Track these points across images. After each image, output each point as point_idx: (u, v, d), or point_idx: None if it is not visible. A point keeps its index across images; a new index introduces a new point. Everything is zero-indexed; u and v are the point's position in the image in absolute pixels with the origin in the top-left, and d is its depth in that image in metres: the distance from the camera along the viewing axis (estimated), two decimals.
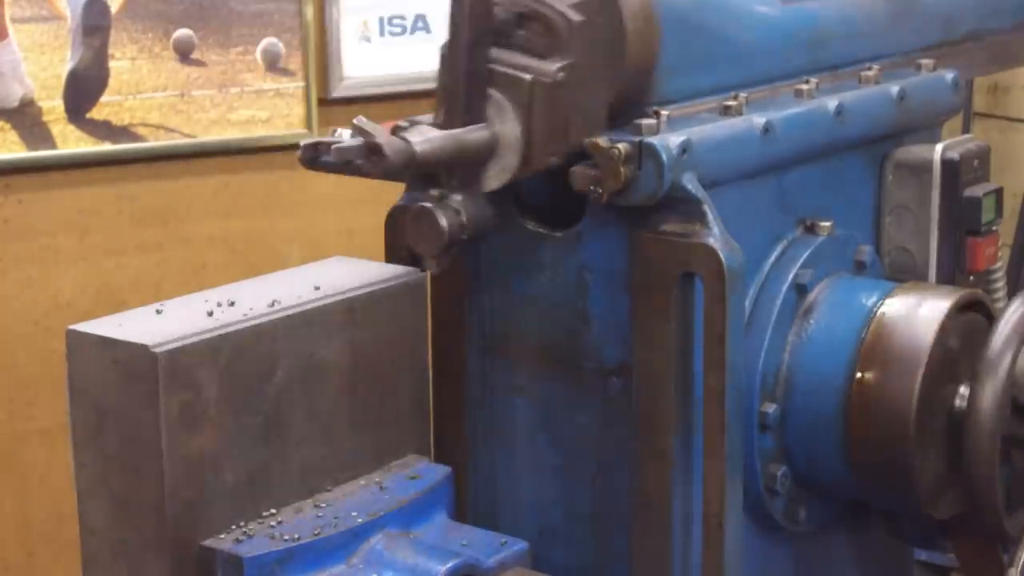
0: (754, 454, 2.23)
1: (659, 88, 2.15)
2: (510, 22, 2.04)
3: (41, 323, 3.91)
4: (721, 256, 2.04)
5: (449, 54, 2.04)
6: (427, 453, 2.15)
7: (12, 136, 3.95)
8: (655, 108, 2.13)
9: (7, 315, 3.90)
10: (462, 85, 2.02)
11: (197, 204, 4.21)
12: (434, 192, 2.05)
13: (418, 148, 1.96)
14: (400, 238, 2.29)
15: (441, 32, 2.07)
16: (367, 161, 1.94)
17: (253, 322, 1.92)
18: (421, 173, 2.04)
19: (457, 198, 2.05)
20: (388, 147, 1.93)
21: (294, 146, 2.17)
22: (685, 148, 2.07)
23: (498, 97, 2.02)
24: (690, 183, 2.07)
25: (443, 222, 2.03)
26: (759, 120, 2.21)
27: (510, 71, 2.02)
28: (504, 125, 2.02)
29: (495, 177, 2.04)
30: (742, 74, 2.29)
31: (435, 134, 1.99)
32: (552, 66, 2.01)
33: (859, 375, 2.25)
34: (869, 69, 2.48)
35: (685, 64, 2.20)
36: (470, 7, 2.01)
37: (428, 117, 2.09)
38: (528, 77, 2.01)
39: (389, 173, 1.97)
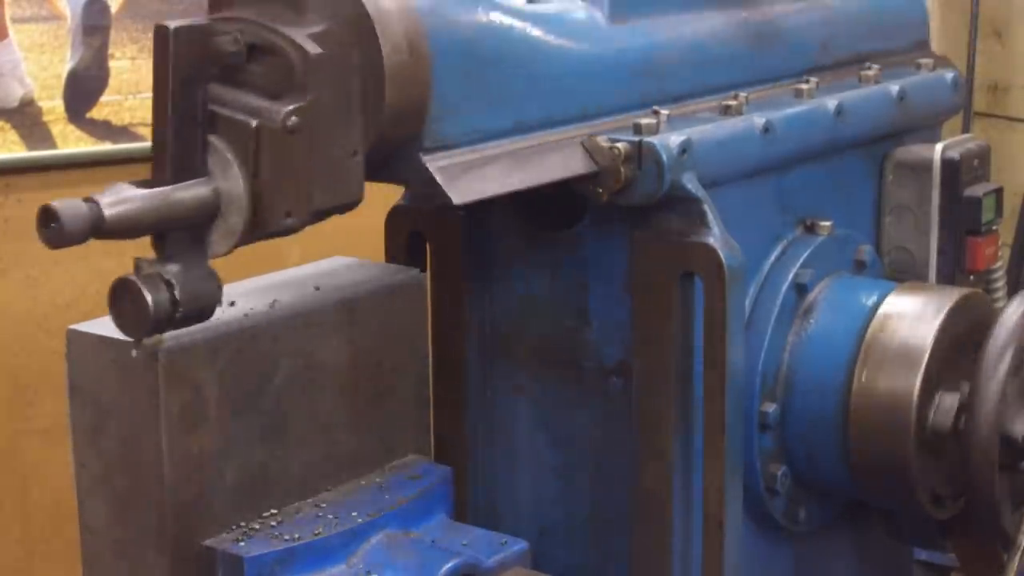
0: (754, 454, 2.23)
1: (436, 130, 1.88)
2: (239, 55, 1.71)
3: (41, 323, 3.91)
4: (721, 256, 2.04)
5: (155, 94, 1.69)
6: (427, 453, 2.15)
7: (12, 136, 3.94)
8: (437, 152, 1.86)
9: (7, 315, 3.90)
10: (171, 132, 1.68)
11: None
12: (145, 260, 1.72)
13: (108, 212, 1.64)
14: (397, 238, 2.30)
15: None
16: (42, 229, 1.61)
17: (253, 322, 1.92)
18: (123, 239, 1.69)
19: (173, 268, 1.71)
20: (64, 212, 1.60)
21: None
22: (685, 148, 2.06)
23: (220, 146, 1.71)
24: (690, 183, 2.07)
25: (149, 299, 1.69)
26: (759, 120, 2.21)
27: (234, 115, 1.70)
28: (227, 180, 1.71)
29: (220, 241, 1.74)
30: (553, 109, 2.03)
31: (135, 193, 1.66)
32: (283, 108, 1.69)
33: (859, 375, 2.25)
34: (868, 69, 2.47)
35: (469, 101, 1.93)
36: (179, 36, 1.67)
37: None
38: (253, 122, 1.69)
39: (72, 242, 1.62)
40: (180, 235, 1.72)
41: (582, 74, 2.08)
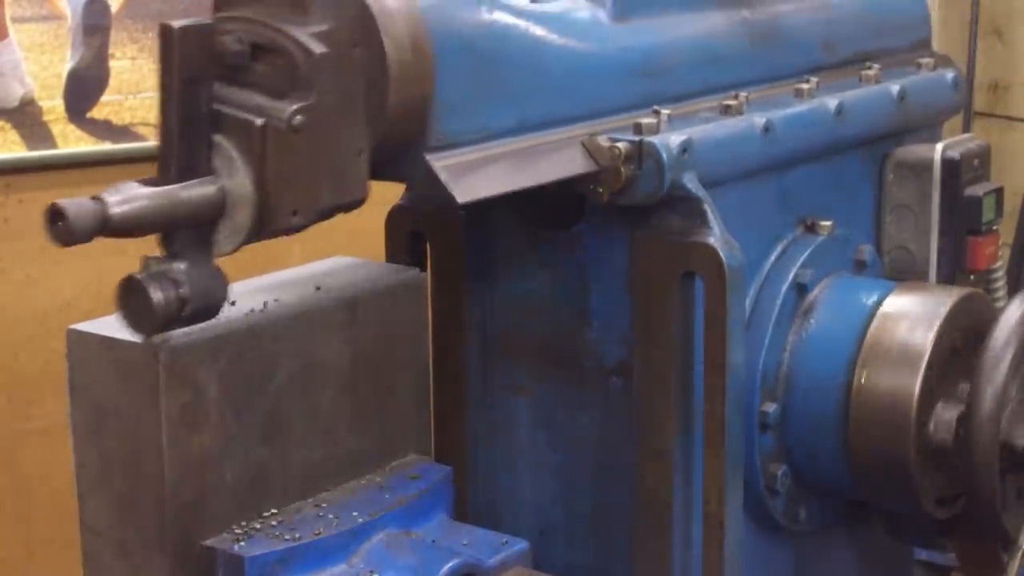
0: (754, 453, 2.23)
1: (439, 128, 1.88)
2: (243, 55, 1.72)
3: (41, 323, 3.91)
4: (721, 255, 2.04)
5: (160, 93, 1.69)
6: (427, 453, 2.15)
7: (12, 136, 3.94)
8: (439, 150, 1.86)
9: (7, 315, 3.89)
10: (176, 132, 1.69)
11: None
12: (153, 258, 1.73)
13: (115, 211, 1.64)
14: (397, 238, 2.30)
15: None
16: (50, 228, 1.62)
17: (254, 322, 1.92)
18: (131, 237, 1.69)
19: (180, 267, 1.71)
20: (72, 210, 1.61)
21: None
22: (685, 147, 2.06)
23: (225, 146, 1.71)
24: (690, 182, 2.07)
25: (156, 297, 1.69)
26: (759, 120, 2.21)
27: (239, 114, 1.71)
28: (233, 179, 1.71)
29: (226, 240, 1.74)
30: (556, 109, 2.03)
31: (141, 192, 1.67)
32: (288, 107, 1.70)
33: (859, 375, 2.25)
34: (869, 68, 2.47)
35: (474, 100, 1.93)
36: (184, 36, 1.67)
37: None
38: (259, 121, 1.70)
39: (79, 240, 1.63)
40: (186, 234, 1.72)
41: (585, 73, 2.08)
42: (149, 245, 1.74)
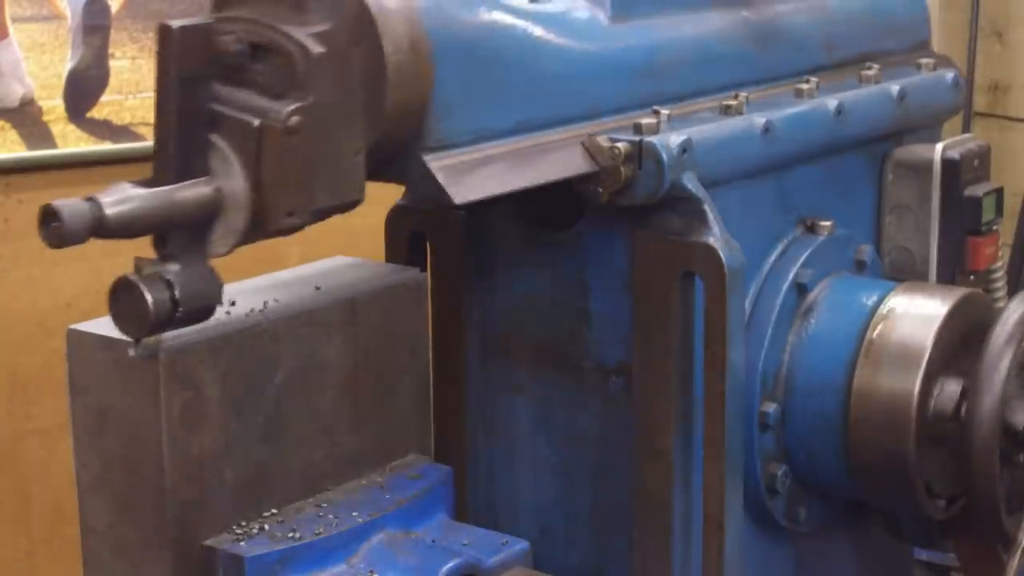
0: (754, 454, 2.23)
1: (437, 129, 1.88)
2: (242, 54, 1.71)
3: (41, 323, 3.91)
4: (721, 256, 2.04)
5: (157, 93, 1.69)
6: (428, 453, 2.15)
7: (12, 136, 3.94)
8: (436, 150, 1.86)
9: (7, 315, 3.89)
10: (173, 133, 1.68)
11: None
12: (146, 260, 1.72)
13: (109, 211, 1.64)
14: (397, 238, 2.30)
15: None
16: (42, 228, 1.61)
17: (254, 322, 1.92)
18: (125, 238, 1.68)
19: (173, 268, 1.70)
20: (67, 212, 1.60)
21: None
22: (685, 147, 2.06)
23: (222, 146, 1.71)
24: (690, 182, 2.07)
25: (149, 298, 1.68)
26: (759, 120, 2.21)
27: (235, 114, 1.70)
28: (229, 179, 1.71)
29: (221, 241, 1.73)
30: (555, 109, 2.03)
31: (136, 193, 1.66)
32: (286, 108, 1.69)
33: (859, 375, 2.25)
34: (869, 69, 2.48)
35: (471, 101, 1.92)
36: (182, 36, 1.67)
37: None
38: (256, 121, 1.69)
39: (73, 241, 1.62)
40: (181, 234, 1.71)
41: (584, 74, 2.07)
42: (147, 244, 1.74)
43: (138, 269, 1.71)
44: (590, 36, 2.10)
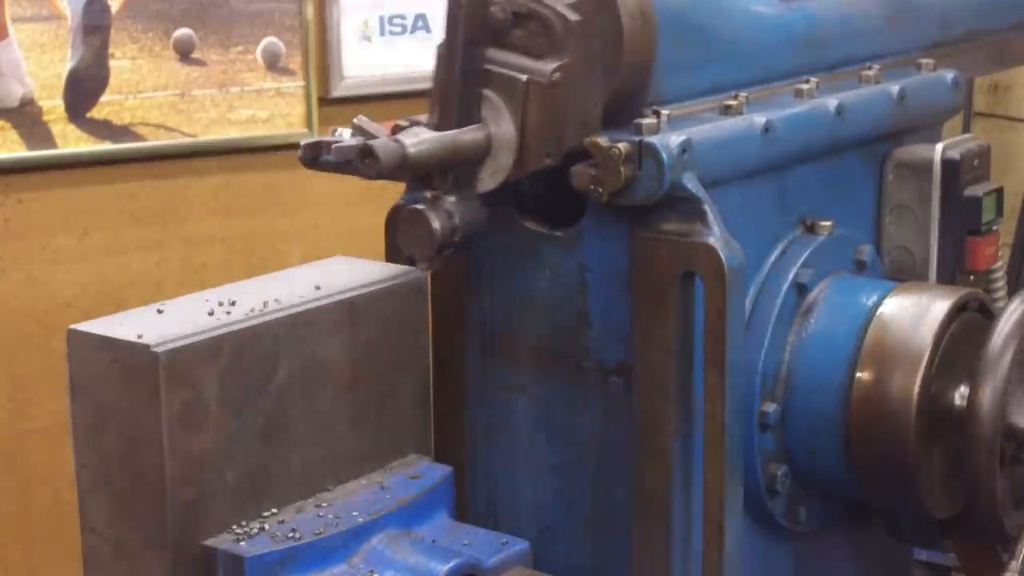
0: (754, 454, 2.24)
1: (656, 87, 2.15)
2: (506, 22, 2.02)
3: (42, 322, 3.91)
4: (721, 256, 2.04)
5: (445, 54, 2.02)
6: (428, 453, 2.16)
7: (12, 136, 3.95)
8: (654, 108, 2.12)
9: (7, 315, 3.90)
10: (457, 86, 2.01)
11: (197, 204, 4.21)
12: (427, 194, 2.03)
13: (411, 150, 1.95)
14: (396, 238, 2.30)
15: (440, 31, 2.06)
16: (360, 163, 1.93)
17: (254, 322, 1.92)
18: (416, 174, 2.02)
19: (451, 200, 2.03)
20: (380, 149, 1.92)
21: (294, 146, 2.17)
22: (685, 147, 2.06)
23: (493, 98, 2.02)
24: (690, 182, 2.07)
25: (435, 224, 2.01)
26: (759, 120, 2.21)
27: (505, 71, 2.01)
28: (499, 126, 2.01)
29: (489, 178, 2.03)
30: (740, 73, 2.29)
31: (429, 135, 1.98)
32: (548, 66, 2.00)
33: (859, 375, 2.25)
34: (869, 69, 2.48)
35: (682, 63, 2.19)
36: (466, 6, 2.00)
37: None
38: (523, 77, 2.00)
39: (383, 174, 1.95)
40: (458, 172, 2.02)
41: (762, 43, 2.36)
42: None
43: (423, 201, 2.02)
44: (768, 10, 2.39)
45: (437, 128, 2.00)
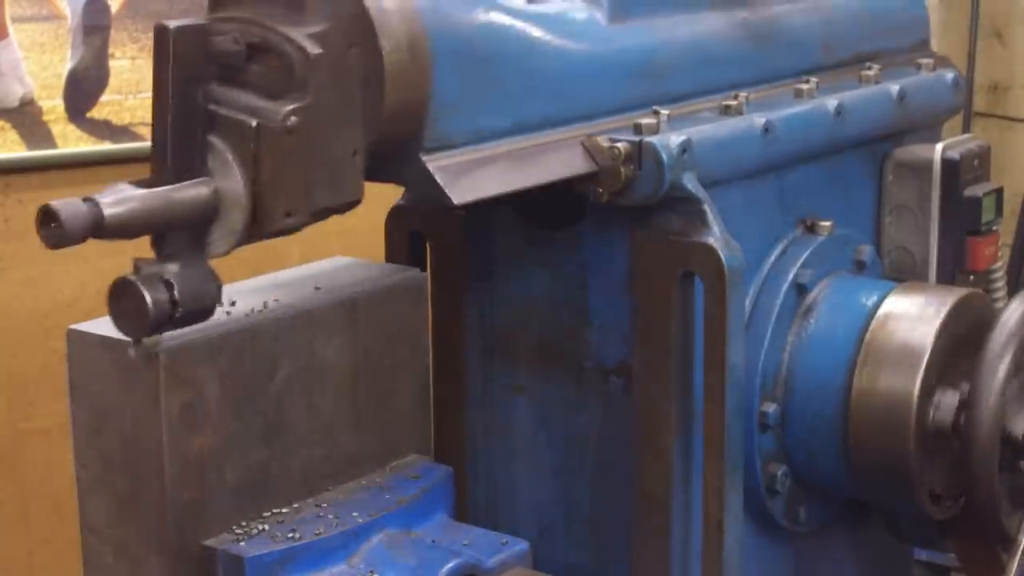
0: (754, 454, 2.24)
1: (436, 129, 1.87)
2: (239, 55, 1.71)
3: (41, 323, 3.91)
4: (721, 256, 2.04)
5: (154, 93, 1.69)
6: (428, 453, 2.15)
7: (12, 136, 3.94)
8: (434, 150, 1.86)
9: (7, 315, 3.89)
10: (170, 132, 1.68)
11: None
12: (144, 261, 1.72)
13: (108, 212, 1.63)
14: (397, 238, 2.30)
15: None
16: (44, 230, 1.61)
17: (254, 322, 1.92)
18: (122, 238, 1.68)
19: (172, 268, 1.70)
20: (64, 212, 1.60)
21: None
22: (685, 148, 2.06)
23: (219, 146, 1.71)
24: (690, 183, 2.07)
25: (149, 297, 1.68)
26: (759, 120, 2.21)
27: (232, 114, 1.70)
28: (227, 180, 1.71)
29: (220, 241, 1.74)
30: (552, 109, 2.02)
31: (135, 193, 1.66)
32: (283, 108, 1.69)
33: (859, 375, 2.25)
34: (869, 69, 2.48)
35: (469, 101, 1.92)
36: (179, 35, 1.67)
37: None
38: (253, 122, 1.69)
39: (69, 242, 1.62)
40: (179, 235, 1.71)
41: (582, 74, 2.07)
42: (148, 244, 1.74)
43: (137, 270, 1.70)
44: (588, 36, 2.10)
45: (151, 184, 1.68)
